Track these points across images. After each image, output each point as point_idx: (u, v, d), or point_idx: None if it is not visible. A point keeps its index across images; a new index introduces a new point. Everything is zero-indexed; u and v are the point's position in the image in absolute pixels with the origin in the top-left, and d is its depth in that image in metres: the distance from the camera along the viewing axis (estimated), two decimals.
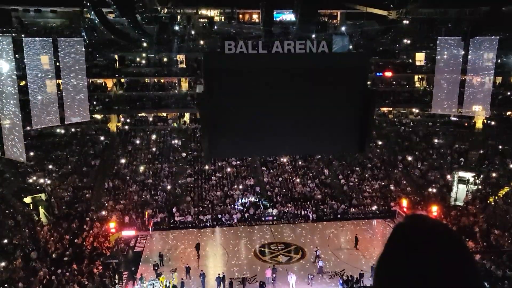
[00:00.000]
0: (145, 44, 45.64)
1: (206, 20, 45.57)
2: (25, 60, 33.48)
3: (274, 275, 26.20)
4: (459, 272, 1.44)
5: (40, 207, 33.52)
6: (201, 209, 36.54)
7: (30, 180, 37.01)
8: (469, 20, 37.52)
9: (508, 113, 44.75)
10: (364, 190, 39.19)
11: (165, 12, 39.58)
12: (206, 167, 40.98)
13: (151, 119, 46.56)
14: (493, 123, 44.20)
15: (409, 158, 42.97)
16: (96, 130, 44.58)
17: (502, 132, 43.23)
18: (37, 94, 34.54)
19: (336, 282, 26.31)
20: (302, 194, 38.79)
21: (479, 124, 44.47)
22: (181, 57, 47.34)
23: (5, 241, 28.52)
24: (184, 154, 43.03)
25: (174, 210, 36.23)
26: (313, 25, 37.50)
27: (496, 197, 35.42)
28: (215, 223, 35.36)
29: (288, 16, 47.44)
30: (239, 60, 19.63)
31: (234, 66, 19.61)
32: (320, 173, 41.52)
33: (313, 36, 40.58)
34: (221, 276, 25.80)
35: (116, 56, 45.83)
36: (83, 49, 37.81)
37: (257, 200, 37.59)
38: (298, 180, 40.39)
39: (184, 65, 47.14)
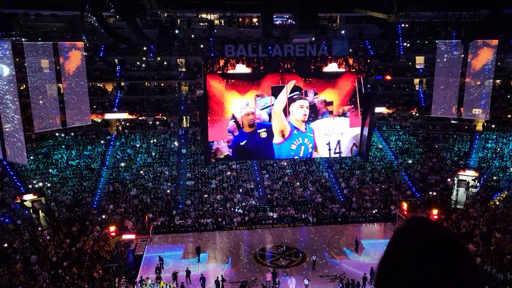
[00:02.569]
0: (145, 48, 45.70)
1: (206, 23, 45.64)
2: (25, 64, 33.52)
3: (277, 279, 26.13)
4: (459, 275, 1.45)
5: (40, 211, 33.50)
6: (201, 213, 36.52)
7: (30, 185, 37.02)
8: (469, 23, 37.63)
9: (508, 116, 44.68)
10: (365, 194, 39.16)
11: (165, 16, 39.67)
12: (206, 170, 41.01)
13: (151, 122, 46.54)
14: (493, 125, 44.17)
15: (409, 161, 42.97)
16: (96, 133, 44.57)
17: (502, 135, 43.19)
18: (38, 98, 34.57)
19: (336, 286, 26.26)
20: (302, 197, 38.76)
21: (479, 127, 44.45)
22: (181, 61, 47.45)
23: (5, 245, 28.49)
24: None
25: (174, 213, 36.22)
26: (312, 29, 37.55)
27: (497, 200, 35.38)
28: (215, 226, 35.35)
29: (287, 19, 47.50)
30: None
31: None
32: (320, 176, 41.50)
33: (313, 39, 40.64)
34: (219, 279, 25.73)
35: (116, 60, 45.98)
36: (84, 52, 37.91)
37: (257, 203, 37.59)
38: (298, 183, 40.36)
39: (184, 69, 47.25)
